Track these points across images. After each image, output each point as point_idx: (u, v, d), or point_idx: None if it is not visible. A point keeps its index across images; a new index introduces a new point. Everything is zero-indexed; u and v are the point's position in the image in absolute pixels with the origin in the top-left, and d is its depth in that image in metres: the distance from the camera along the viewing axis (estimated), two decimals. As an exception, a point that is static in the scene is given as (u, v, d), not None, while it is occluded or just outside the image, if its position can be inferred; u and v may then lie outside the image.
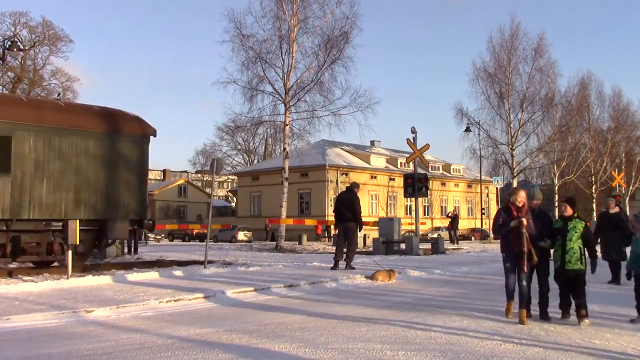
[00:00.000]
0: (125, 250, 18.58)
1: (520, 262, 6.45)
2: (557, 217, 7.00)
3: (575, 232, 6.69)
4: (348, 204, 13.19)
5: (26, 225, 11.65)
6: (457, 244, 30.65)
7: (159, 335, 5.98)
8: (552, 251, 6.99)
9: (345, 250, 13.10)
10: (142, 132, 13.65)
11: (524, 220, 6.43)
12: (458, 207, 54.41)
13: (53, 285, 9.67)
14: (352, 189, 13.50)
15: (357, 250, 14.81)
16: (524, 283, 6.54)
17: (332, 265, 12.96)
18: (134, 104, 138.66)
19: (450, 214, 36.42)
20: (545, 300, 6.84)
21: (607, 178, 43.81)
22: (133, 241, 19.19)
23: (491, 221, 37.65)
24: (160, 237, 45.70)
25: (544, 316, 6.77)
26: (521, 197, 6.64)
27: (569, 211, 6.83)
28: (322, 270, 12.79)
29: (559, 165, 42.00)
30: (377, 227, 21.97)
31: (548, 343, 5.50)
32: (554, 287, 6.91)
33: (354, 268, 12.80)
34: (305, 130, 26.58)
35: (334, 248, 14.66)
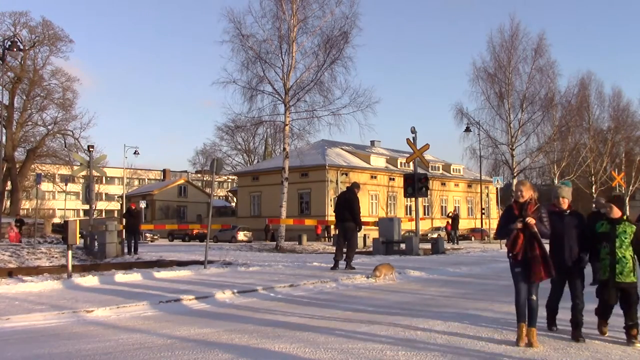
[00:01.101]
0: (125, 250, 18.69)
1: (531, 270, 5.30)
2: (602, 220, 5.82)
3: (626, 237, 5.53)
4: (347, 204, 13.18)
5: None
6: (457, 244, 30.66)
7: (159, 335, 5.98)
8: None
9: (345, 250, 13.10)
10: None
11: (531, 220, 5.30)
12: (458, 207, 54.47)
13: (53, 285, 9.67)
14: (352, 189, 13.48)
15: (357, 250, 14.80)
16: (535, 297, 5.40)
17: (332, 265, 12.97)
18: (133, 103, 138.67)
19: (450, 214, 36.41)
20: (580, 317, 5.70)
21: (607, 178, 43.82)
22: (133, 241, 19.32)
23: (492, 221, 37.35)
24: (156, 237, 45.61)
25: (578, 335, 5.62)
26: (521, 191, 5.48)
27: (616, 212, 5.64)
28: (322, 270, 12.79)
29: (559, 165, 42.00)
30: (377, 227, 21.97)
31: (548, 343, 5.50)
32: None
33: (353, 268, 12.79)
34: (305, 130, 26.62)
35: (334, 248, 14.67)
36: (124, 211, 23.63)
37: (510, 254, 5.47)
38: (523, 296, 5.41)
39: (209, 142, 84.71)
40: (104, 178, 63.98)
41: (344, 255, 13.06)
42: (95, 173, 19.95)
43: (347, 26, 25.20)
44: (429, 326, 6.34)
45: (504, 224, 5.57)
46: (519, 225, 5.34)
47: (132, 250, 18.92)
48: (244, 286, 9.68)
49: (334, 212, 13.94)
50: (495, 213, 47.17)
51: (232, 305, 8.23)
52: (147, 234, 43.94)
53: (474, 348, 5.28)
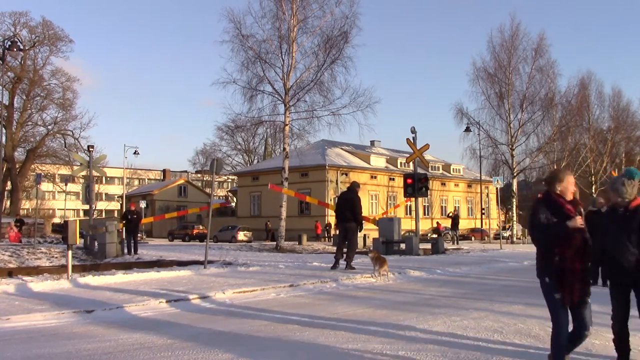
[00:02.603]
0: (125, 250, 18.68)
1: (576, 287, 4.04)
2: None
3: None
4: (348, 204, 13.19)
5: None
6: (457, 244, 30.65)
7: (159, 335, 5.98)
8: None
9: (345, 250, 13.11)
10: None
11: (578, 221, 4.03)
12: (458, 207, 54.46)
13: (53, 285, 9.67)
14: (353, 188, 13.50)
15: (357, 250, 14.80)
16: (588, 330, 4.16)
17: (332, 264, 12.97)
18: (134, 103, 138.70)
19: (450, 214, 36.41)
20: None
21: (607, 178, 43.77)
22: (132, 241, 19.27)
23: (492, 221, 37.03)
24: (143, 235, 45.03)
25: None
26: (572, 186, 4.23)
27: None
28: (322, 270, 12.79)
29: (558, 165, 41.96)
30: (377, 227, 21.98)
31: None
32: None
33: (354, 268, 12.80)
34: (305, 130, 26.63)
35: (334, 248, 14.72)
36: (124, 211, 23.31)
37: (550, 269, 4.09)
38: (566, 323, 4.09)
39: (209, 142, 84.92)
40: (104, 178, 63.91)
41: (345, 255, 13.07)
42: (95, 173, 19.95)
43: (347, 26, 25.23)
44: (429, 326, 6.34)
45: (549, 223, 4.10)
46: (580, 222, 4.02)
47: (132, 250, 18.90)
48: (243, 286, 9.68)
49: (335, 212, 13.94)
50: (495, 213, 47.18)
51: (232, 305, 8.22)
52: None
53: (474, 348, 5.28)
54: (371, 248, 22.07)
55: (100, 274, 11.49)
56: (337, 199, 14.67)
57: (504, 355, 5.04)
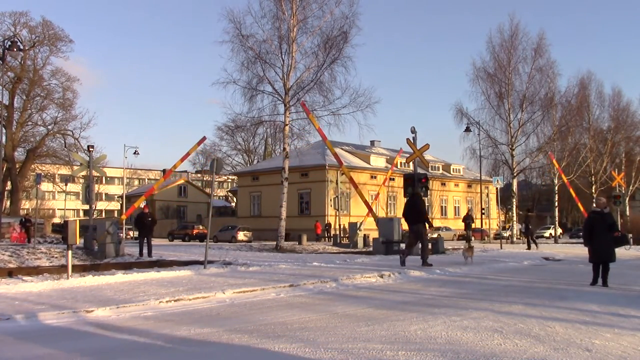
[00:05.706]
0: (145, 250, 18.50)
1: None
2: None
3: None
4: (414, 208, 14.62)
5: None
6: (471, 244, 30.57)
7: (159, 335, 5.98)
8: None
9: (418, 247, 15.04)
10: None
11: None
12: (458, 207, 54.45)
13: (53, 285, 9.67)
14: (417, 194, 15.27)
15: (356, 250, 15.00)
16: None
17: (401, 260, 14.15)
18: (134, 103, 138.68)
19: (469, 213, 36.05)
20: None
21: (607, 178, 43.75)
22: (147, 244, 18.57)
23: (492, 221, 36.98)
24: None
25: None
26: None
27: None
28: (322, 269, 12.81)
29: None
30: (377, 227, 21.96)
31: (548, 343, 5.50)
32: None
33: (430, 265, 13.99)
34: (305, 130, 26.63)
35: (335, 248, 14.98)
36: (137, 214, 20.96)
37: None
38: None
39: (209, 142, 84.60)
40: (104, 178, 63.93)
41: (408, 252, 14.59)
42: (95, 173, 19.93)
43: (346, 26, 25.21)
44: (428, 326, 6.34)
45: None
46: None
47: (148, 252, 18.01)
48: (243, 286, 9.68)
49: (403, 216, 15.12)
50: (495, 213, 47.15)
51: (232, 304, 8.23)
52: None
53: (474, 348, 5.28)
54: (371, 248, 22.11)
55: (100, 274, 11.50)
56: (404, 205, 15.75)
57: (505, 354, 5.04)
